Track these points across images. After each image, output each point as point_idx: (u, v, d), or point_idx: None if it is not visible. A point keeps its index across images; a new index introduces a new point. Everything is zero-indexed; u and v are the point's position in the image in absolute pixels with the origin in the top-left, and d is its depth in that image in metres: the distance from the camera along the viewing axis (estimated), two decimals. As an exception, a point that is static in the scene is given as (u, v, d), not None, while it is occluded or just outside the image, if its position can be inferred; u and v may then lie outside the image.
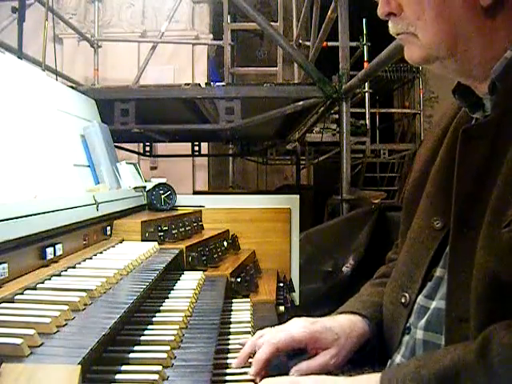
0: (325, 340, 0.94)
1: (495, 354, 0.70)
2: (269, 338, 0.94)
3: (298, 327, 0.95)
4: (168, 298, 1.25)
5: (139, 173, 2.26)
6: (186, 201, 2.21)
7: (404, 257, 1.00)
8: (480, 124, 0.88)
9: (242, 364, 0.94)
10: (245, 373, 0.93)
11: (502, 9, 0.81)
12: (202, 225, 2.06)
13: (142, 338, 0.96)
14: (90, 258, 1.31)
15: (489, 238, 0.78)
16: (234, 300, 1.48)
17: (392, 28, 0.90)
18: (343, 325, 0.99)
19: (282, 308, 1.61)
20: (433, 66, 0.89)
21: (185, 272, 1.51)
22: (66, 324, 0.85)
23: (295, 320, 0.99)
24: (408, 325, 0.93)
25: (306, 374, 0.89)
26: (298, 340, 0.93)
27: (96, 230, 1.52)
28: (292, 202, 2.24)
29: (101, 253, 1.39)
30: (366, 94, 6.43)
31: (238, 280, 1.58)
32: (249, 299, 1.51)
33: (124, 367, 0.82)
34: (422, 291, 0.92)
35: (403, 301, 0.95)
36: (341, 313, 1.05)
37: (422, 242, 0.95)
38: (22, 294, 0.96)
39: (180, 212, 2.04)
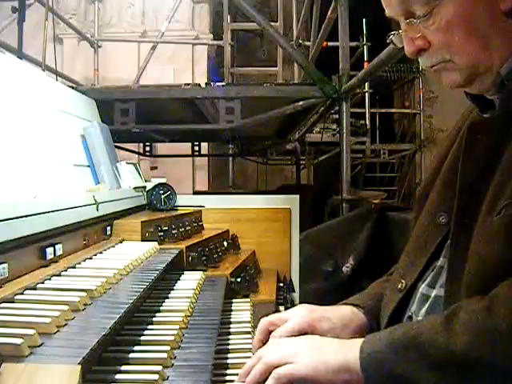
0: (321, 328, 0.98)
1: (459, 319, 0.75)
2: (276, 334, 0.97)
3: (299, 315, 0.99)
4: (168, 297, 1.25)
5: (139, 173, 2.26)
6: (186, 201, 2.21)
7: (409, 249, 1.03)
8: (486, 119, 0.91)
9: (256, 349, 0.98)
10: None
11: None
12: (202, 225, 2.06)
13: (142, 337, 0.96)
14: (90, 258, 1.31)
15: (482, 227, 0.82)
16: (233, 300, 1.48)
17: (425, 62, 0.91)
18: (343, 315, 1.02)
19: (282, 308, 1.61)
20: (473, 86, 0.90)
21: (185, 272, 1.51)
22: (66, 324, 0.85)
23: (298, 308, 1.03)
24: (410, 313, 0.95)
25: None
26: (297, 329, 0.97)
27: (96, 230, 1.52)
28: (292, 201, 2.24)
29: (101, 253, 1.39)
30: (366, 94, 6.44)
31: (238, 280, 1.58)
32: (249, 299, 1.51)
33: (124, 367, 0.82)
34: (425, 281, 0.95)
35: (399, 287, 0.98)
36: (343, 304, 1.09)
37: (426, 235, 0.97)
38: (22, 294, 0.96)
39: (180, 212, 2.04)
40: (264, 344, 0.95)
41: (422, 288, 0.95)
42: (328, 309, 1.03)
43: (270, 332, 0.98)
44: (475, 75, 0.87)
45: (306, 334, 0.98)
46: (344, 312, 1.03)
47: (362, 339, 0.82)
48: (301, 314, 1.00)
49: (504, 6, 0.82)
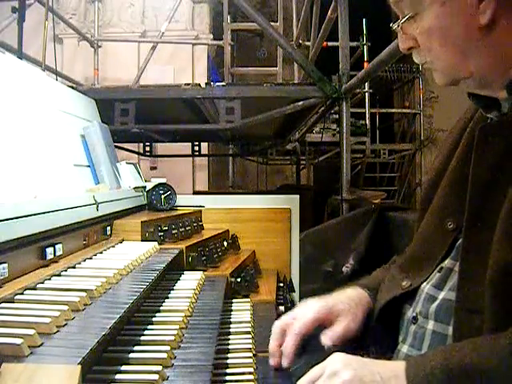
0: (341, 311, 1.00)
1: None
2: (292, 330, 0.98)
3: (317, 308, 1.01)
4: (168, 297, 1.25)
5: (139, 173, 2.26)
6: (185, 201, 2.21)
7: (414, 250, 1.03)
8: (497, 122, 0.90)
9: (276, 353, 0.97)
10: (245, 373, 0.93)
11: (503, 21, 0.83)
12: (202, 225, 2.06)
13: (142, 337, 0.96)
14: (90, 258, 1.31)
15: (505, 232, 0.80)
16: (234, 300, 1.48)
17: (415, 59, 0.96)
18: (350, 295, 1.06)
19: (281, 308, 1.61)
20: (461, 85, 0.93)
21: (185, 272, 1.51)
22: (65, 324, 0.85)
23: (307, 303, 1.04)
24: (414, 314, 0.95)
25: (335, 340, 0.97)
26: (321, 319, 0.99)
27: (96, 230, 1.52)
28: (292, 201, 2.24)
29: (101, 253, 1.39)
30: (366, 94, 6.42)
31: (238, 280, 1.58)
32: (249, 299, 1.51)
33: (124, 367, 0.82)
34: (431, 281, 0.94)
35: (403, 284, 0.99)
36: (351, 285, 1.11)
37: (434, 240, 0.97)
38: (22, 294, 0.96)
39: (180, 212, 2.04)
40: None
41: (428, 288, 0.94)
42: (334, 295, 1.05)
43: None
44: (457, 80, 0.91)
45: (324, 323, 1.00)
46: (349, 293, 1.06)
47: (403, 366, 0.77)
48: (317, 305, 1.01)
49: (483, 21, 0.83)
